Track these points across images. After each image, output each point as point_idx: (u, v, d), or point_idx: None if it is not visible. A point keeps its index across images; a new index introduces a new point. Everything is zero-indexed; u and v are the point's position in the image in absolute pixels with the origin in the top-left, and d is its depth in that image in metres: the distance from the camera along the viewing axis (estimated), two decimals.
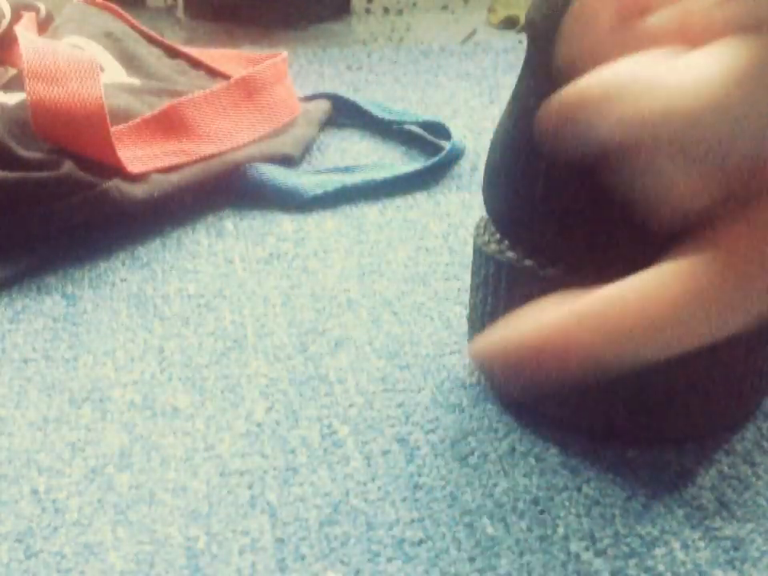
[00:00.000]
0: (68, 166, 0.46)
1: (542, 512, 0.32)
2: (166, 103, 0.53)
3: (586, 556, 0.30)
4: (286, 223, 0.51)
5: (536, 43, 0.33)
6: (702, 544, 0.31)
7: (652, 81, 0.24)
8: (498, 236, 0.35)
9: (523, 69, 0.34)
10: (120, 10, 0.64)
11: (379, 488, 0.33)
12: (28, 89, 0.47)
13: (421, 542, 0.31)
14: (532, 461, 0.34)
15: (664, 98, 0.23)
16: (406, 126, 0.63)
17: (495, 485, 0.33)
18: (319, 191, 0.53)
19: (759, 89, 0.22)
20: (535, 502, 0.32)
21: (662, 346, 0.25)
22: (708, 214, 0.26)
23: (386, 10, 1.02)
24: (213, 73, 0.64)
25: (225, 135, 0.54)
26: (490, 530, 0.31)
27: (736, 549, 0.30)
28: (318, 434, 0.36)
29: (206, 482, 0.33)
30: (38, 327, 0.42)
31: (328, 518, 0.32)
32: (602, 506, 0.32)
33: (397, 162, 0.58)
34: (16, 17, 0.57)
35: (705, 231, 0.26)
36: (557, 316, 0.25)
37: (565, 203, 0.32)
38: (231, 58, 0.67)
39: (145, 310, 0.43)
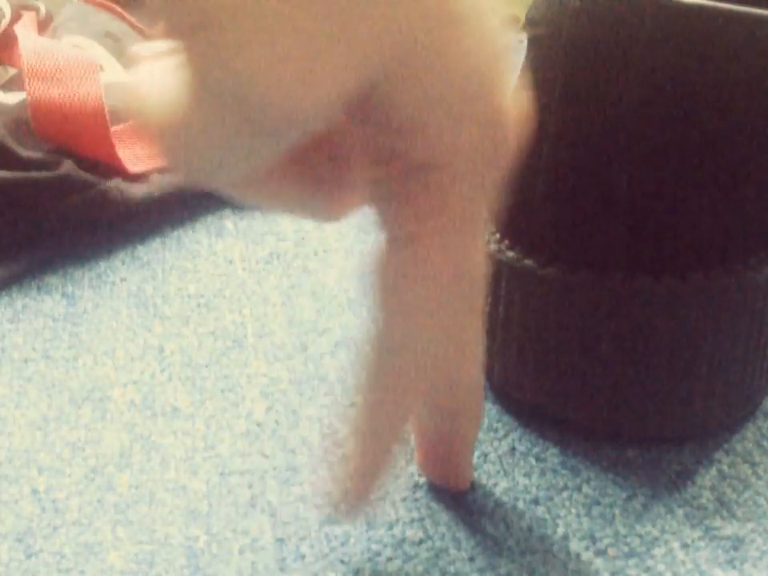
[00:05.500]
0: (68, 166, 0.46)
1: (542, 512, 0.32)
2: None
3: (586, 556, 0.30)
4: (286, 223, 0.51)
5: (536, 43, 0.33)
6: (701, 544, 0.31)
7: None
8: (497, 236, 0.35)
9: (523, 68, 0.34)
10: (120, 10, 0.64)
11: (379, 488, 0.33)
12: (28, 88, 0.47)
13: (421, 541, 0.31)
14: (532, 461, 0.34)
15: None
16: None
17: (495, 485, 0.33)
18: None
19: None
20: (535, 501, 0.32)
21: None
22: None
23: None
24: None
25: None
26: (490, 530, 0.31)
27: (736, 549, 0.30)
28: (318, 434, 0.36)
29: (206, 482, 0.33)
30: (37, 327, 0.42)
31: (328, 517, 0.32)
32: (602, 506, 0.32)
33: None
34: (16, 16, 0.57)
35: None
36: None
37: (565, 203, 0.32)
38: None
39: (145, 309, 0.43)
